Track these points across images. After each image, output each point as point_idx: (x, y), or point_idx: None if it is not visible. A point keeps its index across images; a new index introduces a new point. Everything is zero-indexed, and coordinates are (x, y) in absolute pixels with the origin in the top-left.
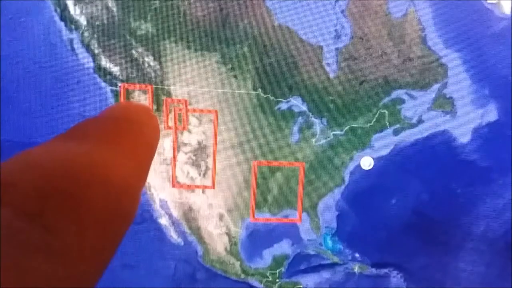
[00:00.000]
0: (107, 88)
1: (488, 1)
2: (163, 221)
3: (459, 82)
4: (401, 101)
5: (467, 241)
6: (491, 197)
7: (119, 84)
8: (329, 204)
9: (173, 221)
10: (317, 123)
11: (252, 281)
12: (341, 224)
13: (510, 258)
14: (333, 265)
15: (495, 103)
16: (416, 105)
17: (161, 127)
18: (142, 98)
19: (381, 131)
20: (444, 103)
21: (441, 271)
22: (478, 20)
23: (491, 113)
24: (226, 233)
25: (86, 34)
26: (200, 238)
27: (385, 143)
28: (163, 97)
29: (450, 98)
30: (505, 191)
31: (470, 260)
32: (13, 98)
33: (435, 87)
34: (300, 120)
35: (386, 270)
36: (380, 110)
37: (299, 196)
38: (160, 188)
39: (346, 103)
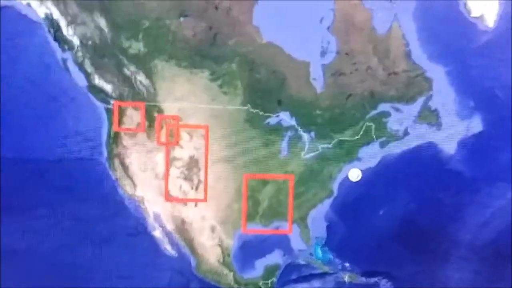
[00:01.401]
0: (101, 106)
1: (472, 15)
2: (157, 233)
3: (444, 94)
4: (387, 114)
5: (454, 249)
6: (478, 206)
7: (112, 101)
8: (318, 215)
9: (167, 234)
10: (305, 137)
11: None
12: (330, 235)
13: (497, 266)
14: (323, 274)
15: (480, 114)
16: (402, 118)
17: (154, 142)
18: (134, 114)
19: (368, 143)
20: (430, 116)
21: (430, 279)
22: (461, 34)
23: (476, 125)
24: (219, 245)
25: (79, 54)
26: (193, 250)
27: (372, 155)
28: (155, 114)
29: (435, 110)
30: (491, 200)
31: (458, 268)
32: (9, 116)
33: (420, 100)
34: (289, 134)
35: (375, 279)
36: (367, 123)
37: (289, 207)
38: (154, 202)
39: (333, 117)
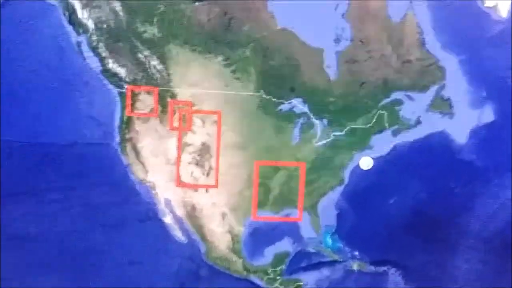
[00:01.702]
0: (114, 90)
1: (486, 5)
2: (168, 219)
3: (456, 84)
4: (400, 102)
5: (464, 239)
6: (488, 197)
7: (126, 86)
8: (329, 203)
9: (177, 220)
10: (317, 124)
11: (254, 278)
12: (341, 223)
13: (506, 256)
14: (333, 262)
15: (492, 104)
16: (414, 106)
17: (166, 128)
18: (148, 99)
19: (380, 132)
20: (442, 105)
21: (439, 268)
22: (475, 24)
23: (488, 114)
24: (229, 231)
25: (94, 37)
26: (203, 236)
27: (384, 143)
28: (168, 99)
29: (448, 99)
30: (502, 191)
31: (467, 258)
32: (22, 100)
33: (433, 89)
34: (301, 121)
35: (384, 268)
36: (380, 111)
37: (300, 195)
38: (165, 188)
39: (346, 105)
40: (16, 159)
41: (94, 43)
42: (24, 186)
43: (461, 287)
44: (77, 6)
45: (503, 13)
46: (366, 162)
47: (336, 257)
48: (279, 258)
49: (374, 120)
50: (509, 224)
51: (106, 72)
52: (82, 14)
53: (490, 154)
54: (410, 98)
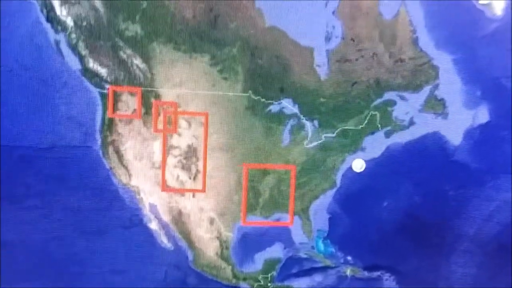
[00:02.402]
0: (95, 91)
1: (480, 2)
2: (153, 225)
3: (450, 83)
4: (392, 103)
5: (458, 243)
6: (483, 199)
7: (107, 86)
8: (321, 207)
9: (163, 226)
10: (308, 125)
11: (243, 285)
12: (333, 227)
13: (502, 260)
14: (325, 268)
15: (486, 104)
16: (407, 107)
17: (150, 130)
18: (130, 100)
19: (372, 133)
20: (436, 105)
21: (434, 273)
22: (469, 22)
23: (483, 115)
24: (217, 237)
25: (73, 36)
26: (190, 243)
27: (376, 145)
28: (152, 100)
29: (442, 99)
30: (497, 193)
31: (462, 262)
32: None
33: (427, 89)
34: (292, 122)
35: (378, 273)
36: (372, 112)
37: (291, 199)
38: (150, 192)
39: (337, 105)
40: None
41: (74, 41)
42: (1, 191)
43: None
44: (56, 3)
45: (498, 11)
46: (358, 164)
47: (328, 262)
48: (269, 264)
49: (366, 121)
50: (504, 226)
51: (86, 71)
52: (60, 11)
53: (485, 155)
54: (403, 98)
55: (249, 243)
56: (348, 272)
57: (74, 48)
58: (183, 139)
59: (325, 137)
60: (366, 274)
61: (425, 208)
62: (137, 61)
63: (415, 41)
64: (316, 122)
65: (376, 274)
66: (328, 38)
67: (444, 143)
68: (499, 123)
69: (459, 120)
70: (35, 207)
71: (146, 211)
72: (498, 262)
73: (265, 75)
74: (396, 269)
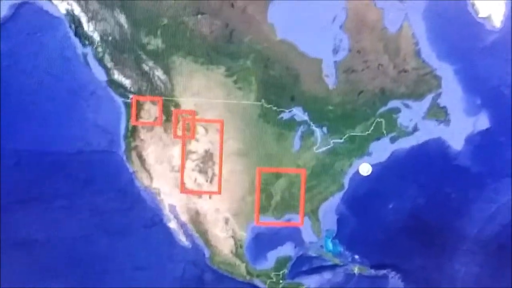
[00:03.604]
0: (119, 100)
1: (479, 15)
2: (172, 225)
3: (452, 92)
4: (397, 110)
5: (461, 243)
6: (484, 201)
7: (131, 96)
8: (329, 208)
9: (182, 225)
10: (317, 132)
11: (257, 282)
12: (341, 228)
13: (503, 259)
14: (334, 266)
15: (486, 112)
16: (411, 114)
17: (170, 136)
18: (152, 109)
19: (378, 139)
20: (438, 112)
21: (437, 271)
22: (469, 34)
23: (483, 122)
24: (232, 236)
25: (100, 49)
26: (207, 241)
27: (382, 150)
28: (172, 108)
29: (444, 107)
30: (497, 196)
31: (464, 261)
32: (30, 110)
33: (429, 97)
34: (302, 128)
35: (384, 271)
36: (377, 119)
37: (301, 201)
38: (169, 194)
39: (345, 113)
40: (25, 166)
41: (100, 54)
42: (32, 192)
43: None
44: (83, 19)
45: (497, 23)
46: (365, 168)
47: (337, 261)
48: (281, 262)
49: (372, 128)
50: (505, 227)
51: (112, 82)
52: (88, 26)
53: (486, 160)
54: (407, 106)
55: (262, 242)
56: (356, 270)
57: (100, 61)
58: (200, 144)
59: (333, 142)
60: (372, 272)
61: (429, 210)
62: (159, 72)
63: (418, 53)
64: (325, 129)
65: (382, 272)
66: (335, 51)
67: (447, 148)
68: (498, 129)
69: (460, 127)
70: (62, 208)
71: (166, 211)
72: (500, 262)
73: (277, 85)
74: (401, 267)
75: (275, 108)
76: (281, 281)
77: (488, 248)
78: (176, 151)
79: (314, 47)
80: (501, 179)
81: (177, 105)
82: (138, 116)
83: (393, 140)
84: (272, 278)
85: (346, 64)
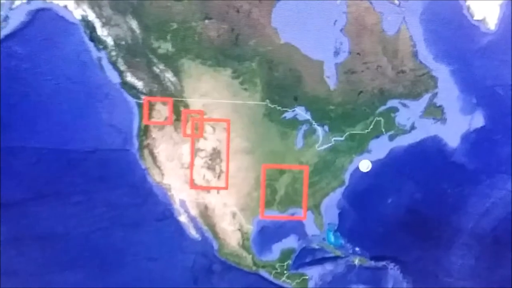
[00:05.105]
0: (132, 101)
1: (475, 18)
2: (183, 218)
3: (448, 92)
4: (395, 109)
5: (457, 236)
6: (479, 197)
7: (143, 97)
8: (331, 203)
9: (192, 219)
10: (319, 130)
11: (262, 272)
12: (342, 221)
13: (497, 253)
14: (335, 258)
15: (481, 110)
16: (409, 113)
17: (180, 135)
18: (163, 109)
19: (377, 137)
20: (435, 111)
21: (434, 263)
22: (465, 36)
23: (478, 120)
24: (239, 229)
25: (113, 53)
26: (215, 234)
27: (381, 147)
28: (182, 108)
29: (440, 106)
30: (492, 191)
31: (460, 254)
32: (48, 110)
33: (426, 97)
34: (304, 127)
35: (384, 263)
36: (377, 118)
37: (304, 196)
38: (180, 189)
39: (345, 112)
40: (44, 164)
41: (114, 58)
42: (51, 189)
43: (456, 280)
44: (97, 24)
45: (491, 25)
46: (365, 165)
47: (338, 252)
48: (285, 254)
49: (371, 126)
50: (500, 221)
51: (125, 84)
52: (102, 31)
53: (481, 157)
54: (405, 105)
55: (267, 235)
56: (356, 261)
57: (114, 64)
58: (208, 142)
59: (334, 140)
60: (372, 263)
61: (426, 205)
62: (169, 75)
63: (415, 54)
64: (326, 127)
65: (381, 263)
66: (336, 53)
67: (443, 145)
68: (493, 128)
69: (456, 125)
70: (79, 203)
71: (177, 206)
72: (495, 254)
73: (280, 86)
74: (400, 259)
75: (279, 107)
76: (285, 272)
77: (483, 242)
78: (185, 149)
79: (316, 50)
80: (495, 175)
81: (186, 106)
82: (150, 116)
83: (391, 138)
84: (277, 269)
85: (346, 65)
